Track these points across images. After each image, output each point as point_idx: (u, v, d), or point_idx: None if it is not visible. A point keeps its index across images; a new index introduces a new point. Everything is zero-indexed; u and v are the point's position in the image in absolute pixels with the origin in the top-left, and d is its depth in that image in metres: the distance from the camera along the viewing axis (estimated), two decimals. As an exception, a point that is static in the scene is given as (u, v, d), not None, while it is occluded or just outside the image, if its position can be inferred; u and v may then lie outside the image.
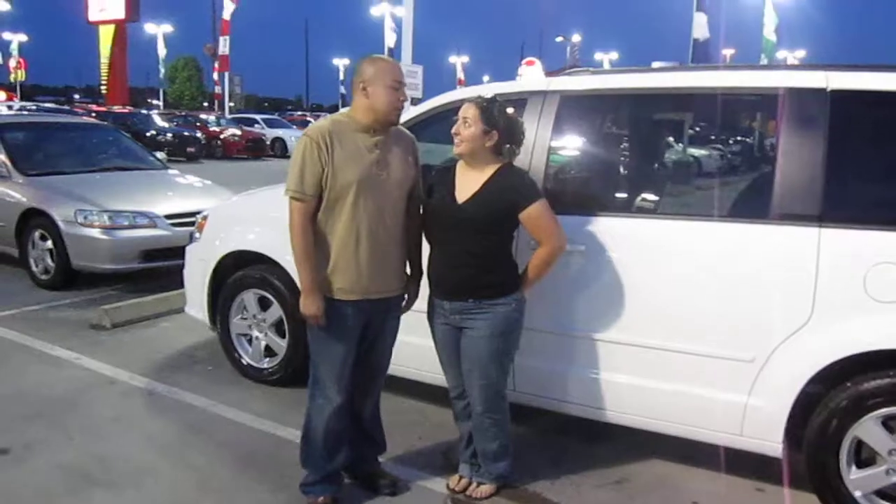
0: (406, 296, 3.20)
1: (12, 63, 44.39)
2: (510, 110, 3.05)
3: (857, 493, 2.91)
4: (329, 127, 2.92)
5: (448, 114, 3.53)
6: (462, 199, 2.99)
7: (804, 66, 3.52)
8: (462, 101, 3.10)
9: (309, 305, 2.92)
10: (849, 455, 2.92)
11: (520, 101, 3.61)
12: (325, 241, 2.93)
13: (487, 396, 3.08)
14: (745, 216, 3.19)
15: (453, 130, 3.00)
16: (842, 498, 2.94)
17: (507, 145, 3.04)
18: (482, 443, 3.19)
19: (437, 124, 3.79)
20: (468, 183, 3.01)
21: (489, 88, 3.66)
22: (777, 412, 3.01)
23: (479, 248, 2.98)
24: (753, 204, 3.27)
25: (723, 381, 3.12)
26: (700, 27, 15.75)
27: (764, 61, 24.66)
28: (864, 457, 2.94)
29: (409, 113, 4.01)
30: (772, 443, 3.06)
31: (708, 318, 3.13)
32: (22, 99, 40.78)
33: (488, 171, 3.00)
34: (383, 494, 3.24)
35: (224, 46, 37.69)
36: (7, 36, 45.41)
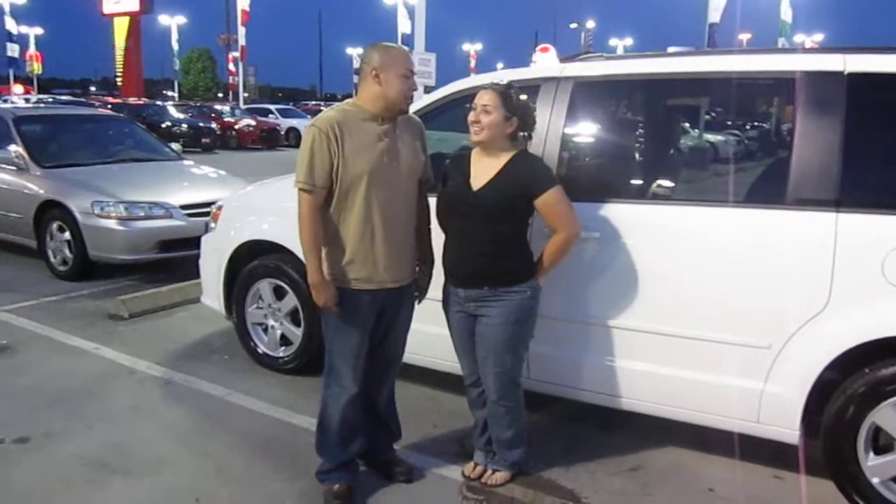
0: (419, 284, 3.20)
1: (29, 56, 44.64)
2: (524, 97, 3.05)
3: (875, 480, 2.89)
4: (337, 117, 2.90)
5: (462, 101, 3.52)
6: (477, 186, 2.99)
7: (821, 49, 3.47)
8: (476, 89, 3.08)
9: (319, 296, 2.92)
10: (866, 441, 2.90)
11: (533, 87, 3.59)
12: (339, 232, 2.93)
13: (502, 384, 3.08)
14: (761, 202, 3.15)
15: (471, 118, 2.97)
16: (859, 485, 2.92)
17: (522, 132, 3.03)
18: (497, 430, 3.19)
19: (451, 112, 3.78)
20: (483, 170, 3.00)
21: (503, 75, 3.64)
22: (794, 399, 3.00)
23: (494, 235, 2.97)
24: (770, 189, 3.22)
25: (739, 368, 3.10)
26: (718, 12, 15.58)
27: (784, 44, 24.37)
28: (881, 443, 2.92)
29: (422, 101, 4.00)
30: (788, 430, 3.05)
31: (724, 304, 3.11)
32: (39, 92, 41.05)
33: (504, 158, 2.99)
34: (398, 482, 3.25)
35: (243, 37, 37.73)
36: (24, 29, 45.64)
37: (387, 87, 2.89)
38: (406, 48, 3.01)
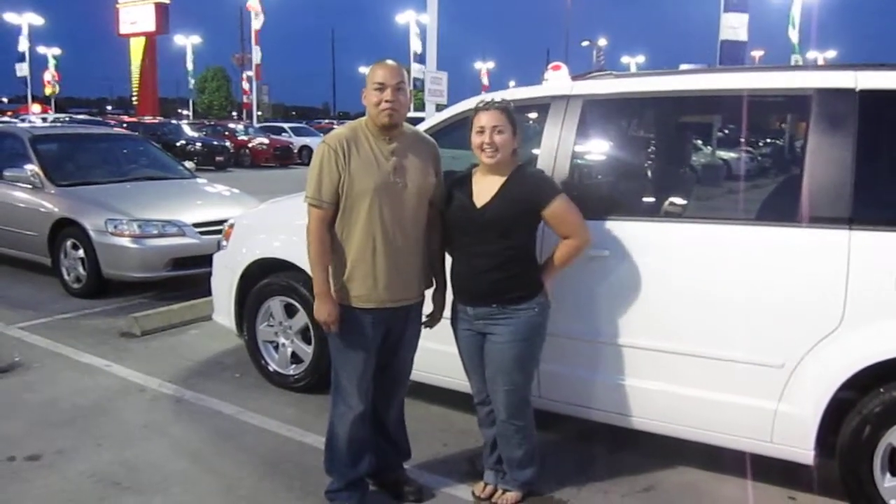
0: (433, 306, 3.20)
1: (47, 76, 45.24)
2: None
3: (893, 502, 2.84)
4: (347, 134, 2.94)
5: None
6: (481, 204, 2.98)
7: (833, 66, 3.45)
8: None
9: (321, 310, 2.94)
10: (883, 462, 2.86)
11: (543, 105, 3.60)
12: (342, 248, 2.94)
13: (511, 402, 3.06)
14: (774, 219, 3.14)
15: (484, 140, 2.94)
16: (876, 507, 2.87)
17: (516, 146, 3.04)
18: (507, 450, 3.17)
19: (462, 130, 3.78)
20: (486, 187, 3.00)
21: (513, 93, 3.65)
22: (808, 418, 2.96)
23: (500, 252, 2.96)
24: (782, 207, 3.21)
25: (752, 387, 3.07)
26: (733, 29, 15.49)
27: (798, 61, 24.27)
28: (898, 464, 2.87)
29: (433, 119, 4.02)
30: (803, 450, 3.00)
31: (736, 322, 3.09)
32: (56, 111, 41.58)
33: (505, 174, 2.99)
34: (408, 501, 3.23)
35: (257, 56, 38.11)
36: (41, 50, 46.30)
37: (366, 103, 2.93)
38: (392, 62, 2.97)
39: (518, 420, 3.08)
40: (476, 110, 3.01)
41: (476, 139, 2.97)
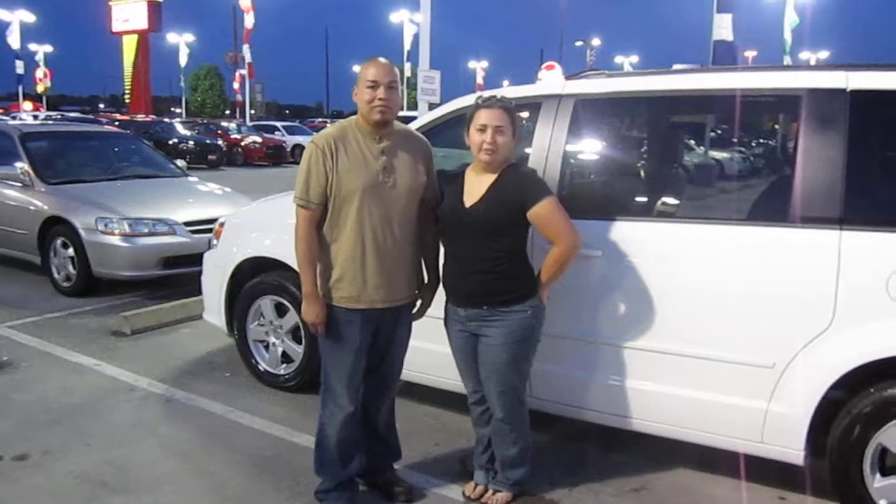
0: (419, 302, 3.18)
1: (39, 74, 45.00)
2: None
3: (882, 502, 2.85)
4: (335, 134, 2.91)
5: (464, 118, 3.51)
6: (470, 203, 2.96)
7: (824, 66, 3.46)
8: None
9: (308, 311, 2.93)
10: (872, 463, 2.86)
11: (534, 104, 3.59)
12: (331, 249, 2.92)
13: (506, 402, 3.05)
14: (764, 219, 3.14)
15: (485, 139, 2.89)
16: (866, 507, 2.88)
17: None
18: (501, 449, 3.16)
19: (454, 129, 3.77)
20: (476, 186, 2.97)
21: (505, 92, 3.63)
22: (799, 419, 2.95)
23: (489, 253, 2.93)
24: (773, 207, 3.21)
25: (743, 388, 3.06)
26: (723, 29, 15.51)
27: (787, 62, 24.36)
28: (888, 464, 2.87)
29: (426, 117, 4.00)
30: (793, 450, 3.00)
31: (727, 323, 3.08)
32: (48, 109, 41.34)
33: (496, 173, 2.96)
34: (399, 502, 3.22)
35: (248, 54, 38.02)
36: (33, 47, 46.06)
37: (358, 101, 2.90)
38: (384, 60, 2.94)
39: (513, 419, 3.07)
40: (477, 106, 2.96)
41: (476, 137, 2.92)
